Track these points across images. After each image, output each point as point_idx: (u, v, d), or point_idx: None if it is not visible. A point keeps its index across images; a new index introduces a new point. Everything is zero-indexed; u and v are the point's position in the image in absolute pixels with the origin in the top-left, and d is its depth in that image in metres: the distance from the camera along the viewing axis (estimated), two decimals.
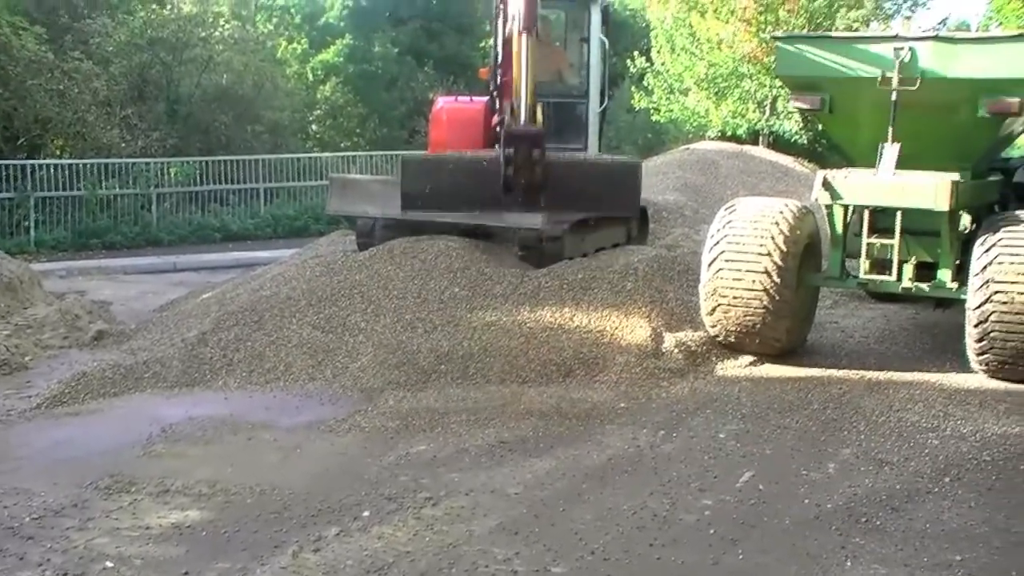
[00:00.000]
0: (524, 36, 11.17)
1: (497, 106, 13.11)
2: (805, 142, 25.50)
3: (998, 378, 9.13)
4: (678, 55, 26.98)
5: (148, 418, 8.15)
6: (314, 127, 33.72)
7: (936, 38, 9.89)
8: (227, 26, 29.00)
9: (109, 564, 5.52)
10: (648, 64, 28.07)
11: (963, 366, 9.36)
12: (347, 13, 35.93)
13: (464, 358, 9.45)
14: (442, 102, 14.45)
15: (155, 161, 22.80)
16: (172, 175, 23.04)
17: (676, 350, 9.72)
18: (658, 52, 27.79)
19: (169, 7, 27.67)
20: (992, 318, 8.82)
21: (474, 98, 14.44)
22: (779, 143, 25.64)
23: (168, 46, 25.53)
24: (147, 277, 16.34)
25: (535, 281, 10.73)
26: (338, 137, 33.35)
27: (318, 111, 33.69)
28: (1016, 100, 9.38)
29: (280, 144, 27.31)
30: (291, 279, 11.33)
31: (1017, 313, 8.71)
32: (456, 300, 10.38)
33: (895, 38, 9.90)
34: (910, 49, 9.56)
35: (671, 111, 27.96)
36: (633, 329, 9.88)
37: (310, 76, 34.17)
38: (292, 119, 30.58)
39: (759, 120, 25.88)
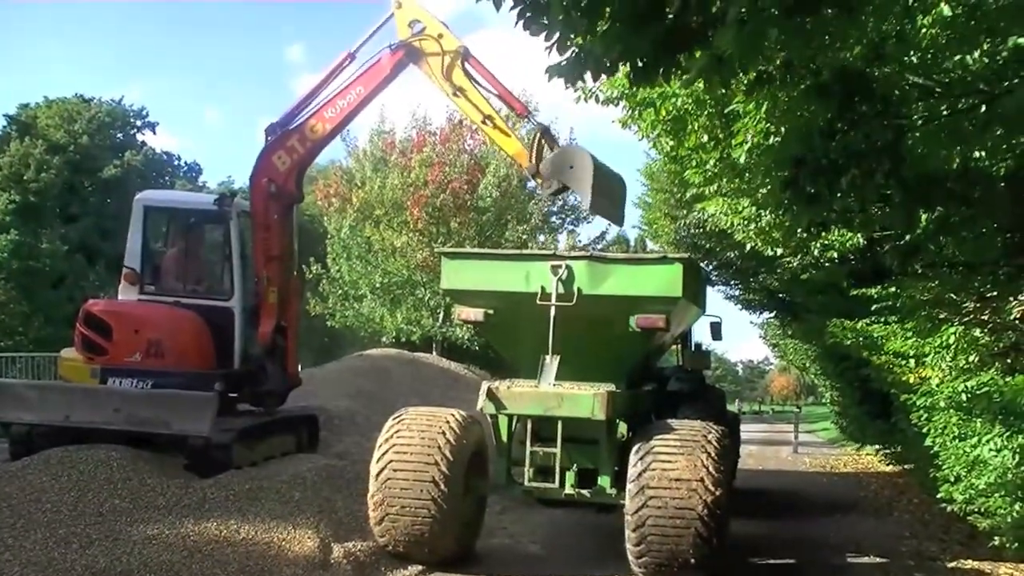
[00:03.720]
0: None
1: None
2: (478, 348, 26.20)
3: None
4: (354, 263, 27.43)
5: None
6: None
7: (590, 257, 10.55)
8: None
9: None
10: (324, 271, 28.36)
11: (626, 568, 9.62)
12: (13, 208, 34.65)
13: (122, 575, 8.95)
14: (104, 305, 13.67)
15: None
16: None
17: (345, 561, 9.58)
18: (334, 260, 28.18)
19: None
20: (648, 522, 9.18)
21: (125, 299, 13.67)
22: (453, 349, 26.26)
23: None
24: None
25: (200, 492, 10.39)
26: None
27: None
28: (661, 317, 10.08)
29: None
30: None
31: (671, 517, 9.11)
32: (115, 512, 9.88)
33: (553, 256, 10.49)
34: (567, 267, 10.13)
35: (346, 317, 28.22)
36: (301, 540, 9.68)
37: None
38: None
39: (433, 327, 26.47)
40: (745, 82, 7.24)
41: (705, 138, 9.58)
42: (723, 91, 7.68)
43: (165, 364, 12.30)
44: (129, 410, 11.47)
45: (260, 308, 12.81)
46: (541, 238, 28.11)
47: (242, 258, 12.91)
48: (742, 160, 8.57)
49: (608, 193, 11.51)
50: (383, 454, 9.77)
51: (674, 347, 14.28)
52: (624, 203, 12.35)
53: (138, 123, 44.25)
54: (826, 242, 11.85)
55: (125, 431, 11.28)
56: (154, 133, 48.67)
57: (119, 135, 41.95)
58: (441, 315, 26.28)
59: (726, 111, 8.74)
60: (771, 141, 8.13)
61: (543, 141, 11.88)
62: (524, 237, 26.71)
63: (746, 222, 11.21)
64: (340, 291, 28.11)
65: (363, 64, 12.61)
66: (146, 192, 14.70)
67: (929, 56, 7.38)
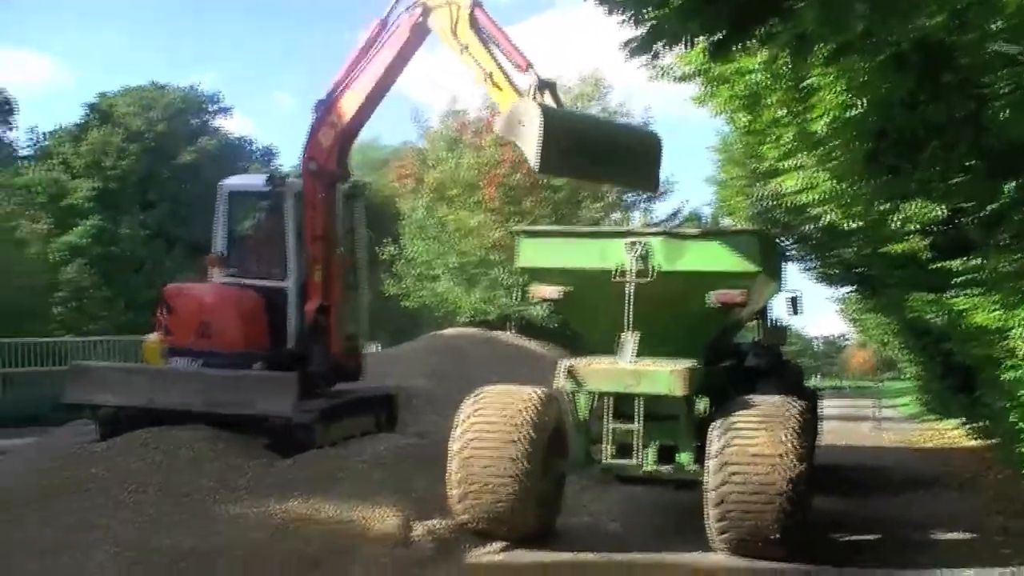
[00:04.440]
0: None
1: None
2: (554, 327, 26.16)
3: (739, 555, 9.42)
4: (429, 243, 27.50)
5: None
6: (57, 309, 32.51)
7: (666, 233, 10.50)
8: None
9: None
10: (398, 251, 28.48)
11: (706, 545, 9.61)
12: (95, 194, 35.23)
13: (209, 554, 9.11)
14: (172, 288, 13.96)
15: None
16: None
17: (427, 538, 9.68)
18: (409, 240, 28.27)
19: None
20: (730, 498, 9.17)
21: (208, 282, 13.98)
22: (529, 328, 26.23)
23: None
24: None
25: (282, 472, 10.57)
26: (82, 320, 32.24)
27: (61, 293, 32.55)
28: (739, 292, 10.01)
29: (19, 327, 26.14)
30: (22, 472, 10.76)
31: (753, 493, 9.09)
32: (201, 492, 10.08)
33: (629, 233, 10.46)
34: (644, 243, 10.10)
35: (421, 297, 28.33)
36: (382, 519, 9.79)
37: (53, 257, 33.10)
38: (32, 301, 29.39)
39: (508, 306, 26.46)
40: (823, 55, 7.15)
41: (782, 112, 9.47)
42: (800, 65, 7.60)
43: (212, 344, 12.50)
44: (212, 392, 11.67)
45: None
46: (615, 216, 27.93)
47: (298, 238, 12.95)
48: (820, 132, 8.47)
49: (602, 155, 11.08)
50: (463, 432, 9.84)
51: (751, 323, 14.17)
52: (655, 165, 11.74)
53: (212, 109, 44.71)
54: (906, 215, 11.65)
55: (209, 413, 11.48)
56: (228, 118, 49.15)
57: (194, 121, 42.38)
58: (516, 294, 26.26)
59: (802, 85, 8.64)
60: (850, 113, 8.02)
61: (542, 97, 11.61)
62: (599, 216, 26.59)
63: (824, 195, 11.06)
64: (415, 271, 28.20)
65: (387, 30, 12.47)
66: (230, 177, 14.89)
67: (1015, 23, 7.21)
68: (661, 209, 29.18)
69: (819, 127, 8.38)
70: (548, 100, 11.31)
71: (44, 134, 38.59)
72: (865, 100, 7.83)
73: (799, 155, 10.25)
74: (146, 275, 33.89)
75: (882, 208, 10.74)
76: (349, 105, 12.62)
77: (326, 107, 12.71)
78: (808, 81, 8.42)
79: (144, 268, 34.14)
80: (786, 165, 10.92)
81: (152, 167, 37.72)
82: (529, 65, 11.49)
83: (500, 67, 11.66)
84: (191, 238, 35.03)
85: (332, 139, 12.69)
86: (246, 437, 11.36)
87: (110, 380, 12.68)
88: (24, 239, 31.57)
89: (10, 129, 35.24)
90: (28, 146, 37.69)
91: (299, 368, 12.34)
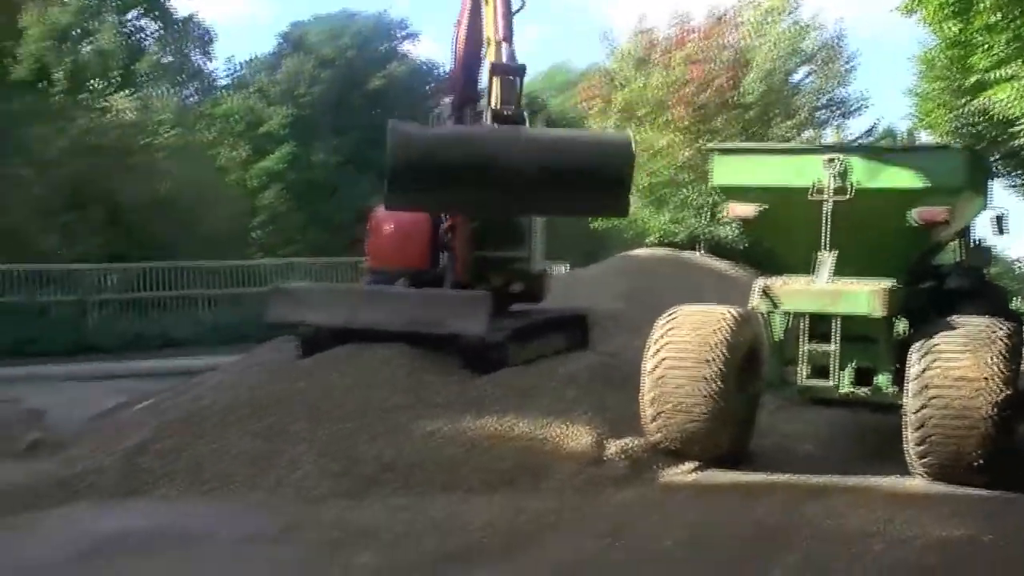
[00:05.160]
0: (504, 44, 12.03)
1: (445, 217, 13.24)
2: (744, 248, 25.79)
3: (939, 481, 9.19)
4: None
5: (83, 531, 7.99)
6: (255, 234, 33.71)
7: (867, 149, 10.18)
8: (169, 133, 29.05)
9: None
10: None
11: (904, 470, 9.41)
12: (289, 121, 36.16)
13: (407, 467, 9.38)
14: (381, 212, 14.38)
15: (95, 267, 22.64)
16: (112, 281, 22.87)
17: (619, 457, 9.73)
18: None
19: (111, 115, 27.66)
20: (931, 422, 8.93)
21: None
22: (719, 249, 25.92)
23: (109, 153, 25.51)
24: (84, 385, 16.09)
25: (478, 389, 10.74)
26: (279, 243, 33.36)
27: (259, 218, 33.71)
28: (943, 210, 9.65)
29: (221, 250, 27.23)
30: (231, 387, 11.24)
31: (955, 417, 8.82)
32: (399, 408, 10.34)
33: (827, 149, 10.17)
34: (842, 160, 9.81)
35: (610, 218, 28.20)
36: (576, 436, 9.88)
37: (251, 183, 34.22)
38: (233, 225, 30.54)
39: (698, 226, 26.19)
40: None
41: (996, 17, 9.00)
42: None
43: (383, 263, 12.88)
44: (408, 310, 11.93)
45: None
46: (807, 133, 27.22)
47: None
48: None
49: (517, 185, 11.01)
50: (657, 352, 9.81)
51: (952, 244, 13.66)
52: (622, 186, 11.65)
53: (400, 35, 45.13)
54: None
55: (405, 332, 11.74)
56: (416, 43, 49.59)
57: (383, 47, 42.88)
58: (706, 214, 25.94)
59: None
60: None
61: None
62: (790, 133, 25.97)
63: None
64: None
65: None
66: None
67: None
68: (855, 126, 28.31)
69: None
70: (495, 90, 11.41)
71: (241, 64, 39.71)
72: None
73: (1013, 64, 9.76)
74: (338, 200, 34.71)
75: None
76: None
77: None
78: None
79: (336, 193, 34.93)
80: (997, 75, 10.43)
81: (343, 94, 38.40)
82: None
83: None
84: (382, 163, 35.67)
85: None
86: (442, 355, 11.56)
87: (310, 300, 13.10)
88: (224, 166, 32.71)
89: (209, 60, 36.36)
90: (226, 75, 38.85)
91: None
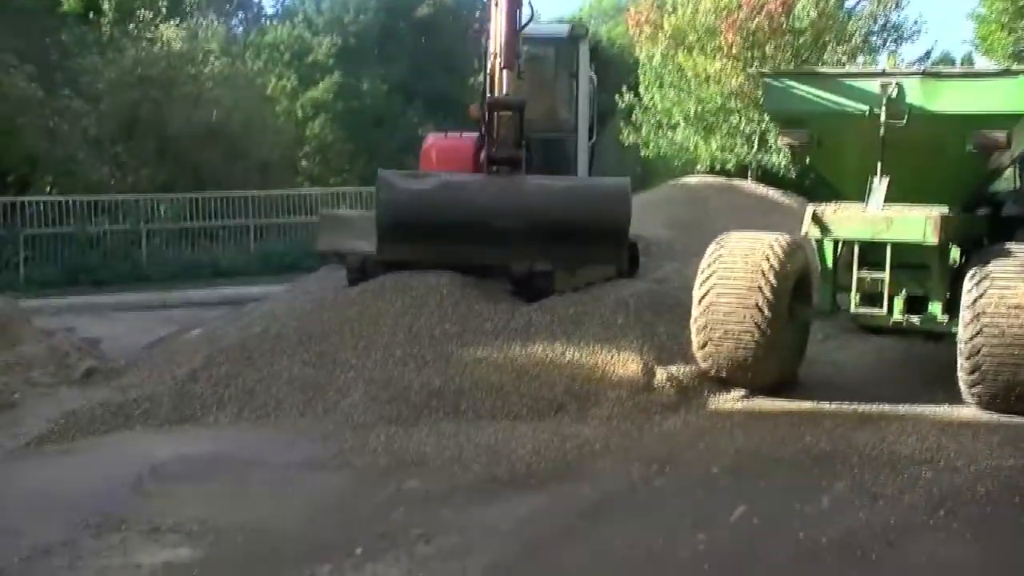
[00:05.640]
0: (505, 72, 11.68)
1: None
2: (794, 176, 25.49)
3: (990, 410, 9.09)
4: (666, 91, 27.04)
5: (138, 456, 8.11)
6: (303, 163, 33.77)
7: (923, 74, 9.97)
8: (217, 63, 29.06)
9: None
10: (636, 100, 28.12)
11: (955, 398, 9.32)
12: (336, 51, 36.04)
13: (455, 394, 9.43)
14: (432, 139, 14.46)
15: (145, 198, 22.85)
16: (162, 212, 23.06)
17: (668, 384, 9.72)
18: (646, 88, 27.84)
19: (159, 45, 27.69)
20: (983, 351, 8.81)
21: (464, 134, 14.45)
22: (768, 177, 25.64)
23: (158, 83, 25.59)
24: (137, 314, 16.30)
25: (526, 316, 10.73)
26: (327, 173, 33.42)
27: (307, 147, 33.74)
28: (1002, 134, 9.44)
29: (270, 180, 27.32)
30: (281, 316, 11.32)
31: (1008, 346, 8.70)
32: (447, 336, 10.36)
33: (882, 74, 9.97)
34: (897, 85, 9.62)
35: (659, 146, 27.97)
36: (624, 363, 9.87)
37: (299, 113, 34.22)
38: (281, 155, 30.60)
39: (747, 154, 25.90)
40: None
41: None
42: None
43: None
44: None
45: None
46: (861, 59, 26.75)
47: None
48: None
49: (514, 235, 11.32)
50: (706, 279, 9.73)
51: (1009, 170, 13.42)
52: (620, 239, 11.79)
53: None
54: None
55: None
56: None
57: None
58: (756, 142, 25.66)
59: None
60: None
61: None
62: (843, 59, 25.52)
63: None
64: (653, 120, 27.82)
65: None
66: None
67: None
68: (910, 51, 27.84)
69: None
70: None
71: None
72: None
73: None
74: (387, 129, 34.64)
75: None
76: None
77: None
78: None
79: (385, 122, 34.85)
80: None
81: (390, 22, 38.19)
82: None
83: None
84: (430, 92, 35.56)
85: None
86: (489, 283, 11.55)
87: (358, 228, 13.11)
88: (272, 96, 32.71)
89: None
90: (273, 4, 38.76)
91: None
